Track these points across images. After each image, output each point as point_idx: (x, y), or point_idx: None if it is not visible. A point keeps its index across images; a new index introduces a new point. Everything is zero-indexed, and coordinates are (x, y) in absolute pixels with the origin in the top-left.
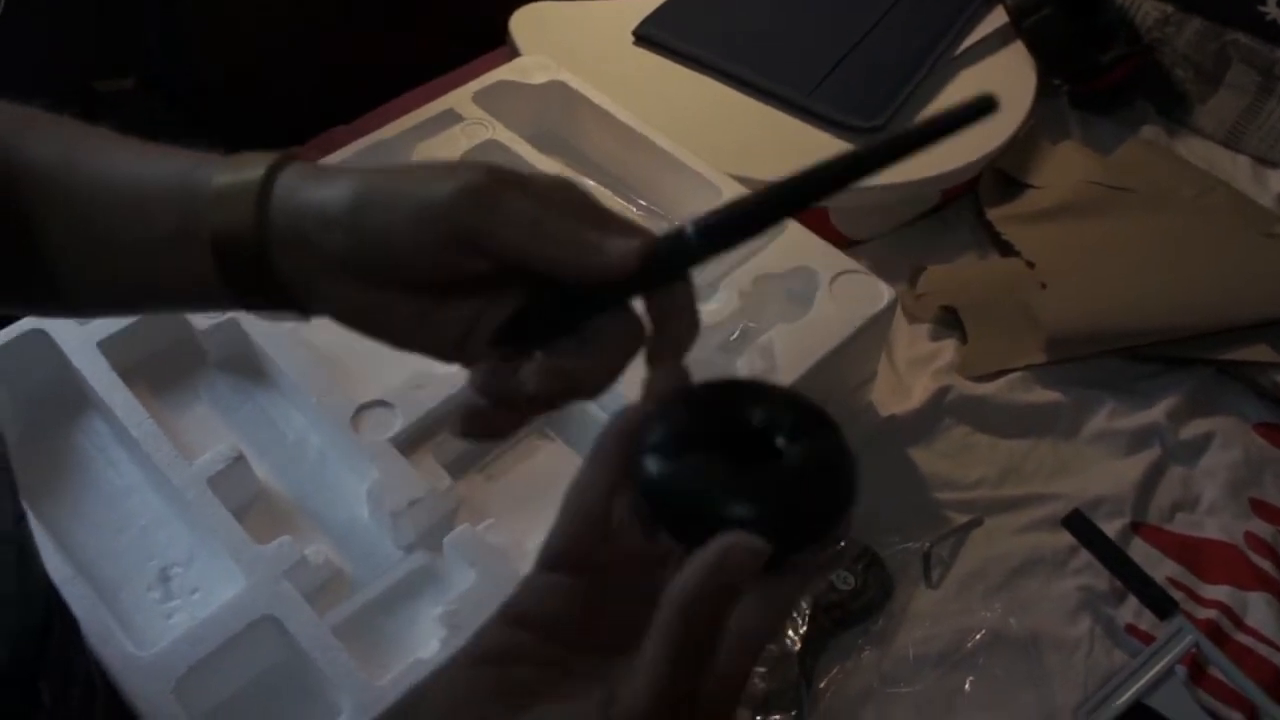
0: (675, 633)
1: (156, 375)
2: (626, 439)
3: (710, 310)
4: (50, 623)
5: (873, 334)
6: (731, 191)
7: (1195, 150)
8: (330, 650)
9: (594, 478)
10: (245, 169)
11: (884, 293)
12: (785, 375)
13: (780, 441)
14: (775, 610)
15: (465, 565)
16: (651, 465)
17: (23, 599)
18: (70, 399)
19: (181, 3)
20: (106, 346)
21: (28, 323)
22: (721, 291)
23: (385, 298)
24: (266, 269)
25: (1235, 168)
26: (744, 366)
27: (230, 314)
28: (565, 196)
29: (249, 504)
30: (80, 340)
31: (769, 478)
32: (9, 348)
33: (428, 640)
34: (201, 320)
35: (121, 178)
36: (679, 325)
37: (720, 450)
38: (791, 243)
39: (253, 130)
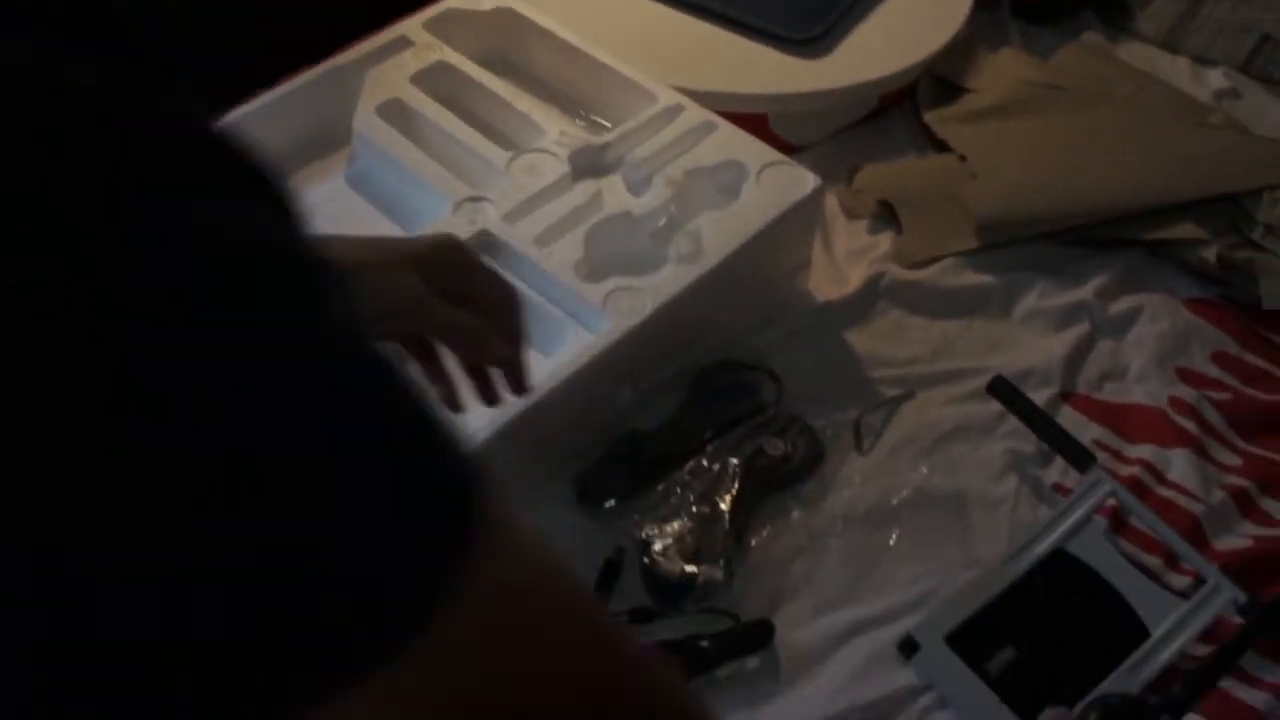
0: None
1: None
2: None
3: (641, 202)
4: None
5: (800, 218)
6: (670, 101)
7: (1136, 54)
8: None
9: None
10: None
11: (809, 180)
12: (711, 258)
13: None
14: None
15: None
16: None
17: None
18: None
19: None
20: None
21: None
22: (654, 184)
23: None
24: None
25: (1174, 69)
26: (672, 252)
27: None
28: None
29: None
30: None
31: None
32: None
33: None
34: None
35: None
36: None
37: None
38: (722, 140)
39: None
